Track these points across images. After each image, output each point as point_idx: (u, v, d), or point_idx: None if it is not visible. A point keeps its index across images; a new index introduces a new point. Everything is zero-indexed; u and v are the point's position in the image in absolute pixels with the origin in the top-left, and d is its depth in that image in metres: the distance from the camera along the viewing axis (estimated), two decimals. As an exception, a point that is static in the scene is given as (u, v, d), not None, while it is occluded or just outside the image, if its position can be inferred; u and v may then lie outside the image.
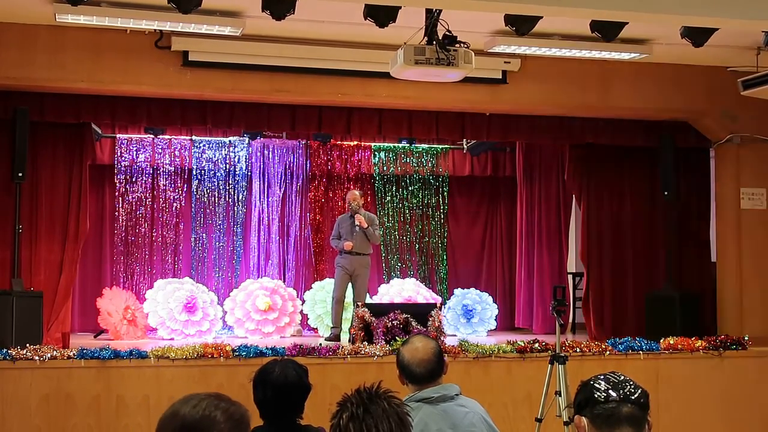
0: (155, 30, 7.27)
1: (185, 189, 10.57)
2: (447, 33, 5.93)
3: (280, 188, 10.81)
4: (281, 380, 3.42)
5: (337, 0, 6.40)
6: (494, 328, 10.38)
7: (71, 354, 6.84)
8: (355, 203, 9.21)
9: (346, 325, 9.21)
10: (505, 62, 8.08)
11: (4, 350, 6.75)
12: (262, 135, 10.44)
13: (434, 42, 5.95)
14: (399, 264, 11.18)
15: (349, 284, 9.17)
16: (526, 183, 10.90)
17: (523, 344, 7.64)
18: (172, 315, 9.22)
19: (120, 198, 10.32)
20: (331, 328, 9.09)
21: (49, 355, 6.73)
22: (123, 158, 10.29)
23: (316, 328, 9.86)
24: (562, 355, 6.52)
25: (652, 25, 6.99)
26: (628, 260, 9.40)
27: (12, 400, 6.62)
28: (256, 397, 3.45)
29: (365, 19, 6.21)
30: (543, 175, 10.78)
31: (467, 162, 11.42)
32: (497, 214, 11.58)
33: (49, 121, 8.06)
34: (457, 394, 3.46)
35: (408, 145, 11.11)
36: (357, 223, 9.03)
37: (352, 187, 11.06)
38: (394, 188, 11.28)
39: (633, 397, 2.24)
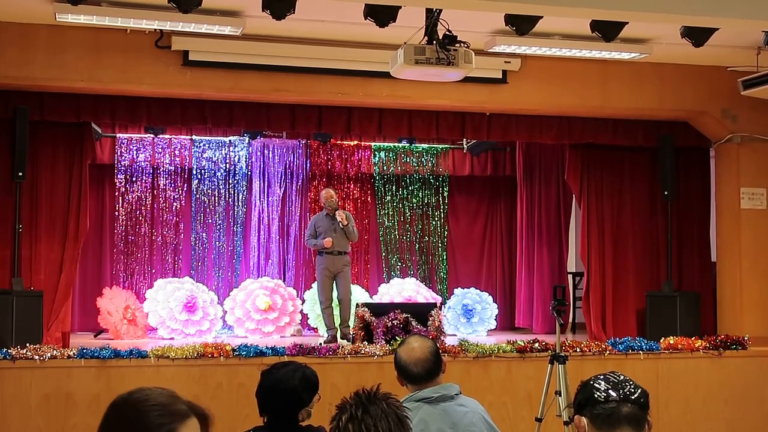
0: (155, 29, 7.27)
1: (185, 188, 10.57)
2: (447, 32, 5.93)
3: (280, 188, 10.81)
4: (276, 377, 3.41)
5: (337, 0, 6.40)
6: (494, 327, 10.38)
7: (71, 353, 6.85)
8: (333, 202, 9.18)
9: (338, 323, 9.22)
10: (505, 62, 8.08)
11: (4, 350, 6.76)
12: (262, 134, 10.44)
13: (434, 41, 5.95)
14: (399, 263, 11.18)
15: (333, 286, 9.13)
16: (526, 182, 10.90)
17: (523, 344, 7.64)
18: (172, 314, 9.22)
19: (120, 197, 10.32)
20: (327, 330, 9.07)
21: (49, 355, 6.74)
22: (123, 158, 10.29)
23: (316, 328, 9.85)
24: (562, 354, 6.52)
25: (652, 25, 6.99)
26: (628, 260, 9.40)
27: (12, 400, 6.63)
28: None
29: (365, 19, 6.21)
30: (543, 175, 10.79)
31: (467, 161, 11.41)
32: (497, 214, 11.58)
33: (49, 120, 8.05)
34: (456, 394, 3.46)
35: (408, 144, 11.11)
36: (339, 219, 8.99)
37: (352, 186, 11.07)
38: (394, 188, 11.28)
39: (633, 397, 2.25)
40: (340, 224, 8.98)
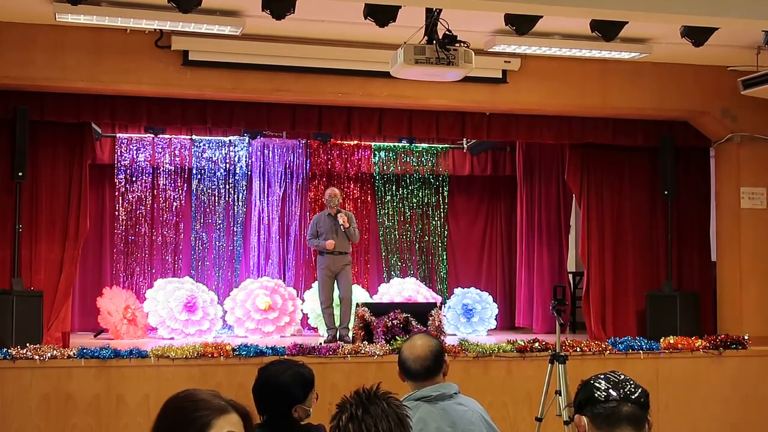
0: (155, 29, 7.27)
1: (185, 188, 10.57)
2: (447, 32, 5.93)
3: (280, 187, 10.81)
4: (267, 373, 3.42)
5: (337, 0, 6.40)
6: (494, 327, 10.38)
7: (71, 353, 6.85)
8: (336, 201, 9.17)
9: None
10: (505, 62, 8.08)
11: (4, 350, 6.76)
12: (262, 134, 10.44)
13: (434, 41, 5.95)
14: (399, 263, 11.17)
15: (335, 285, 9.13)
16: (526, 182, 10.90)
17: (523, 344, 7.64)
18: (172, 314, 9.22)
19: (120, 197, 10.32)
20: (327, 330, 9.07)
21: (49, 355, 6.74)
22: (123, 158, 10.29)
23: (316, 328, 9.85)
24: (563, 354, 6.53)
25: (652, 25, 6.99)
26: (628, 260, 9.40)
27: (12, 400, 6.63)
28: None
29: (365, 19, 6.21)
30: (543, 175, 10.79)
31: (467, 161, 11.41)
32: (497, 214, 11.58)
33: (49, 120, 8.05)
34: (455, 393, 3.47)
35: (408, 144, 11.11)
36: (341, 222, 8.98)
37: (352, 186, 11.07)
38: (394, 187, 11.28)
39: (633, 397, 2.25)
40: (342, 227, 8.97)
